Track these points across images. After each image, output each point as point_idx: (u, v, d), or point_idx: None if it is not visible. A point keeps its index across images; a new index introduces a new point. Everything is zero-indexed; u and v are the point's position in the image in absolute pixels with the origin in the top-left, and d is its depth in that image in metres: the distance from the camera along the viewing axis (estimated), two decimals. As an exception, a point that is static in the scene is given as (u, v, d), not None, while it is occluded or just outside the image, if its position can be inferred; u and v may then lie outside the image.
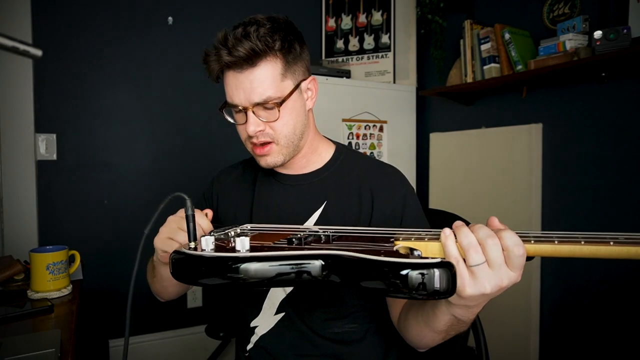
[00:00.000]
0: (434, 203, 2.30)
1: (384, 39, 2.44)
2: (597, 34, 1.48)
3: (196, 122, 2.28)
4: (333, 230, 0.65)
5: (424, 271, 0.46)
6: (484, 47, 1.93)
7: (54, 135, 2.01)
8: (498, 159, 1.97)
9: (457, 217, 1.06)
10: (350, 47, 2.51)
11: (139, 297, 2.39)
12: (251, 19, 0.82)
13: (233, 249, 0.56)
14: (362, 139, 2.32)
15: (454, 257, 0.53)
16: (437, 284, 0.46)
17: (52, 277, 1.12)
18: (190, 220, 0.61)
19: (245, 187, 0.99)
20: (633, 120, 1.55)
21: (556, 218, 1.80)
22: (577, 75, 1.69)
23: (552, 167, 1.82)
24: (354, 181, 0.90)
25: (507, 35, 1.82)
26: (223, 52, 0.79)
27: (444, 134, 2.28)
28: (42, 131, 1.98)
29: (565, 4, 1.76)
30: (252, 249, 0.56)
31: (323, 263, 0.53)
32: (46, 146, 1.99)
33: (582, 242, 0.49)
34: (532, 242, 0.52)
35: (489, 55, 1.91)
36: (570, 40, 1.60)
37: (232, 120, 0.88)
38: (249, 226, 0.75)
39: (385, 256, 0.49)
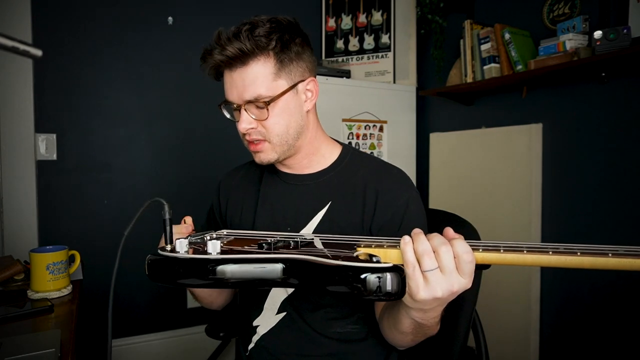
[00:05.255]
0: (434, 203, 2.30)
1: (384, 39, 2.44)
2: (597, 34, 1.48)
3: (196, 122, 2.28)
4: (302, 237, 0.69)
5: (380, 275, 0.51)
6: (484, 47, 1.93)
7: (54, 135, 2.01)
8: (498, 159, 1.97)
9: (457, 217, 1.06)
10: (350, 47, 2.51)
11: (139, 297, 2.38)
12: (251, 19, 0.83)
13: (205, 252, 0.59)
14: (362, 139, 2.32)
15: (411, 262, 0.56)
16: (389, 287, 0.51)
17: (52, 277, 1.12)
18: (167, 224, 0.65)
19: (251, 185, 0.99)
20: (633, 120, 1.55)
21: (556, 218, 1.80)
22: (577, 75, 1.69)
23: (552, 167, 1.82)
24: (359, 182, 0.89)
25: (507, 35, 1.82)
26: (215, 51, 0.81)
27: (444, 134, 2.28)
28: (42, 131, 1.98)
29: (565, 4, 1.76)
30: (223, 252, 0.60)
31: (283, 266, 0.57)
32: (46, 146, 1.99)
33: (525, 251, 0.54)
34: (480, 250, 0.56)
35: (489, 55, 1.91)
36: (570, 40, 1.60)
37: (229, 117, 0.89)
38: (224, 231, 0.78)
39: (342, 260, 0.53)
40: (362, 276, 0.51)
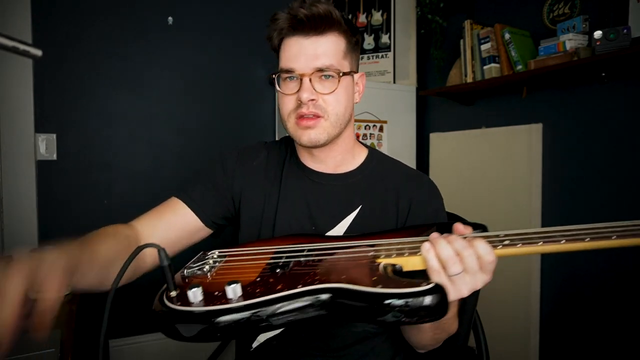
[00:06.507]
0: (434, 203, 2.30)
1: (384, 39, 2.44)
2: (597, 34, 1.48)
3: (196, 122, 2.28)
4: (309, 247, 0.66)
5: (408, 300, 0.50)
6: (484, 47, 1.93)
7: (54, 135, 2.01)
8: (498, 159, 1.97)
9: (457, 217, 1.06)
10: (350, 47, 2.50)
11: (139, 296, 2.39)
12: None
13: (224, 297, 0.54)
14: (362, 139, 2.32)
15: (435, 269, 0.59)
16: (431, 306, 0.51)
17: (52, 277, 1.11)
18: (167, 271, 0.59)
19: (271, 176, 0.93)
20: (633, 120, 1.55)
21: (556, 218, 1.80)
22: (577, 75, 1.69)
23: (552, 167, 1.82)
24: (391, 188, 0.89)
25: (507, 35, 1.82)
26: (300, 9, 0.80)
27: (444, 134, 2.28)
28: (42, 131, 1.98)
29: (565, 4, 1.76)
30: (246, 294, 0.55)
31: (330, 295, 0.54)
32: (46, 146, 1.99)
33: (541, 243, 0.57)
34: (500, 247, 0.59)
35: (489, 55, 1.91)
36: (570, 40, 1.60)
37: (279, 89, 0.85)
38: (216, 252, 0.76)
39: (383, 285, 0.52)
40: (391, 302, 0.50)
